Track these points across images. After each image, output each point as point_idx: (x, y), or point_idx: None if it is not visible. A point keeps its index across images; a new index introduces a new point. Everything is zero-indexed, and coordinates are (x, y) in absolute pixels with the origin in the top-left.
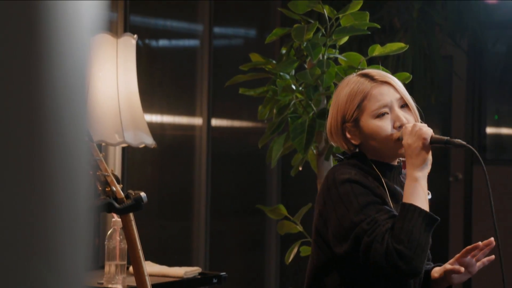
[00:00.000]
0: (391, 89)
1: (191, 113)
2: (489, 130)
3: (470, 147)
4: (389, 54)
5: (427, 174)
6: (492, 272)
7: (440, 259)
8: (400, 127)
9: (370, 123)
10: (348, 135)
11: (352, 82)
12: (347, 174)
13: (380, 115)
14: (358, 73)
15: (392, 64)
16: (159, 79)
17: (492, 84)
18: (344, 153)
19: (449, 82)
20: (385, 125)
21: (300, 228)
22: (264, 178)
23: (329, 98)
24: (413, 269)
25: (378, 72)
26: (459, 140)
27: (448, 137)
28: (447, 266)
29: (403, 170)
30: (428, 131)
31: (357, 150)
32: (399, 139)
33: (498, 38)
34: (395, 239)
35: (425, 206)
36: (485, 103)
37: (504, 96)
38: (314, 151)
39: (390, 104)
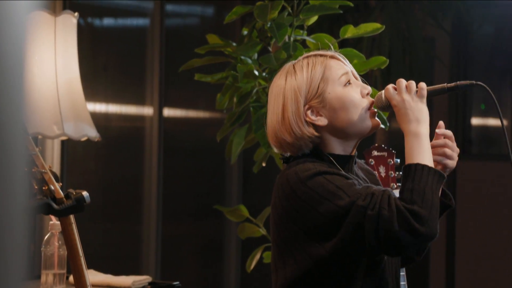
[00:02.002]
0: (343, 64)
1: (140, 101)
2: (475, 121)
3: (481, 84)
4: (363, 35)
5: (428, 131)
6: (478, 272)
7: (420, 263)
8: (367, 95)
9: (338, 91)
10: (312, 118)
11: (300, 61)
12: (312, 168)
13: (347, 83)
14: (299, 58)
15: (367, 47)
16: (104, 63)
17: (478, 70)
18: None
19: (430, 67)
20: (355, 92)
21: (263, 231)
22: (223, 175)
23: None
24: (431, 231)
25: (324, 51)
26: (462, 82)
27: (446, 84)
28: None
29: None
30: (421, 84)
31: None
32: (371, 108)
33: (484, 18)
34: (407, 201)
35: (431, 164)
36: (471, 91)
37: (492, 83)
38: None
39: (350, 74)
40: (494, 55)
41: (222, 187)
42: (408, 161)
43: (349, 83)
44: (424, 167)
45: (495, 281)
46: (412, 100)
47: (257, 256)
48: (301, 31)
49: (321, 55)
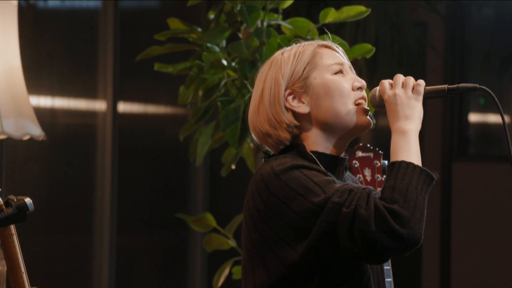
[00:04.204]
0: (339, 56)
1: (91, 95)
2: (473, 117)
3: (485, 88)
4: (346, 20)
5: (418, 131)
6: (473, 273)
7: (413, 271)
8: (360, 88)
9: (326, 77)
10: (292, 104)
11: (289, 49)
12: (289, 162)
13: (338, 72)
14: (292, 45)
15: (350, 33)
16: (49, 50)
17: (476, 59)
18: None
19: (422, 56)
20: (345, 82)
21: (232, 243)
22: (187, 179)
23: None
24: (413, 234)
25: (319, 40)
26: (464, 84)
27: (447, 85)
28: None
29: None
30: (420, 81)
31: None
32: (361, 104)
33: (484, 1)
34: (387, 200)
35: (419, 163)
36: (468, 82)
37: (492, 74)
38: (251, 144)
39: (345, 66)
40: (494, 42)
41: (185, 193)
42: (393, 158)
43: (340, 72)
44: (409, 164)
45: (496, 284)
46: (405, 95)
47: (226, 272)
48: (276, 15)
49: (314, 44)
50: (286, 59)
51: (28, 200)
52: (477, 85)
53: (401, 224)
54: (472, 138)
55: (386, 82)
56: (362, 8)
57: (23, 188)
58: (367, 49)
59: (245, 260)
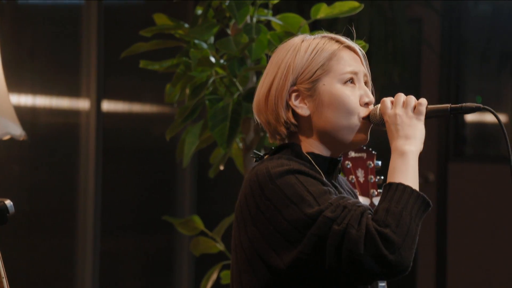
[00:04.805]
0: (358, 60)
1: (74, 93)
2: (470, 116)
3: (489, 108)
4: (339, 16)
5: (419, 152)
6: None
7: (408, 276)
8: (367, 104)
9: (334, 87)
10: (294, 103)
11: (310, 39)
12: (285, 165)
13: (349, 81)
14: (316, 35)
15: (343, 29)
16: (30, 47)
17: (473, 56)
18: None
19: (417, 53)
20: (353, 96)
21: (221, 246)
22: (174, 180)
23: (259, 74)
24: (402, 261)
25: (345, 38)
26: (468, 104)
27: (450, 104)
28: None
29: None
30: (422, 100)
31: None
32: (365, 119)
33: None
34: (379, 222)
35: (416, 187)
36: (465, 81)
37: (489, 71)
38: (240, 144)
39: (359, 75)
40: (491, 39)
41: (172, 195)
42: (390, 179)
43: (351, 82)
44: (406, 188)
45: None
46: (406, 115)
47: (214, 276)
48: (265, 11)
49: (337, 41)
50: (303, 52)
51: (8, 202)
52: (481, 105)
53: (390, 250)
54: (469, 137)
55: (387, 101)
56: (355, 3)
57: (3, 190)
58: (360, 46)
59: (233, 262)
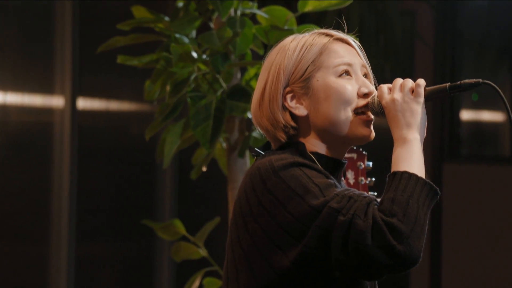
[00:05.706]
0: (353, 51)
1: (47, 90)
2: (465, 115)
3: (489, 82)
4: (327, 9)
5: (423, 138)
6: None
7: (403, 278)
8: (366, 95)
9: (329, 80)
10: (290, 104)
11: (300, 38)
12: (290, 158)
13: (344, 74)
14: (307, 33)
15: (332, 22)
16: (1, 41)
17: (469, 51)
18: (266, 146)
19: (410, 48)
20: (350, 87)
21: (203, 252)
22: (154, 182)
23: (244, 70)
24: (411, 251)
25: (336, 31)
26: (467, 80)
27: (448, 83)
28: None
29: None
30: (419, 81)
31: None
32: (363, 111)
33: None
34: (386, 212)
35: (422, 174)
36: (459, 77)
37: (485, 67)
38: (224, 144)
39: (355, 66)
40: (488, 32)
41: (152, 198)
42: (394, 168)
43: (347, 74)
44: (412, 175)
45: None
46: (404, 100)
47: (196, 284)
48: (250, 3)
49: (327, 35)
50: (292, 51)
51: None
52: (480, 80)
53: (399, 240)
54: (464, 137)
55: (384, 87)
56: None
57: None
58: None
59: (228, 262)
